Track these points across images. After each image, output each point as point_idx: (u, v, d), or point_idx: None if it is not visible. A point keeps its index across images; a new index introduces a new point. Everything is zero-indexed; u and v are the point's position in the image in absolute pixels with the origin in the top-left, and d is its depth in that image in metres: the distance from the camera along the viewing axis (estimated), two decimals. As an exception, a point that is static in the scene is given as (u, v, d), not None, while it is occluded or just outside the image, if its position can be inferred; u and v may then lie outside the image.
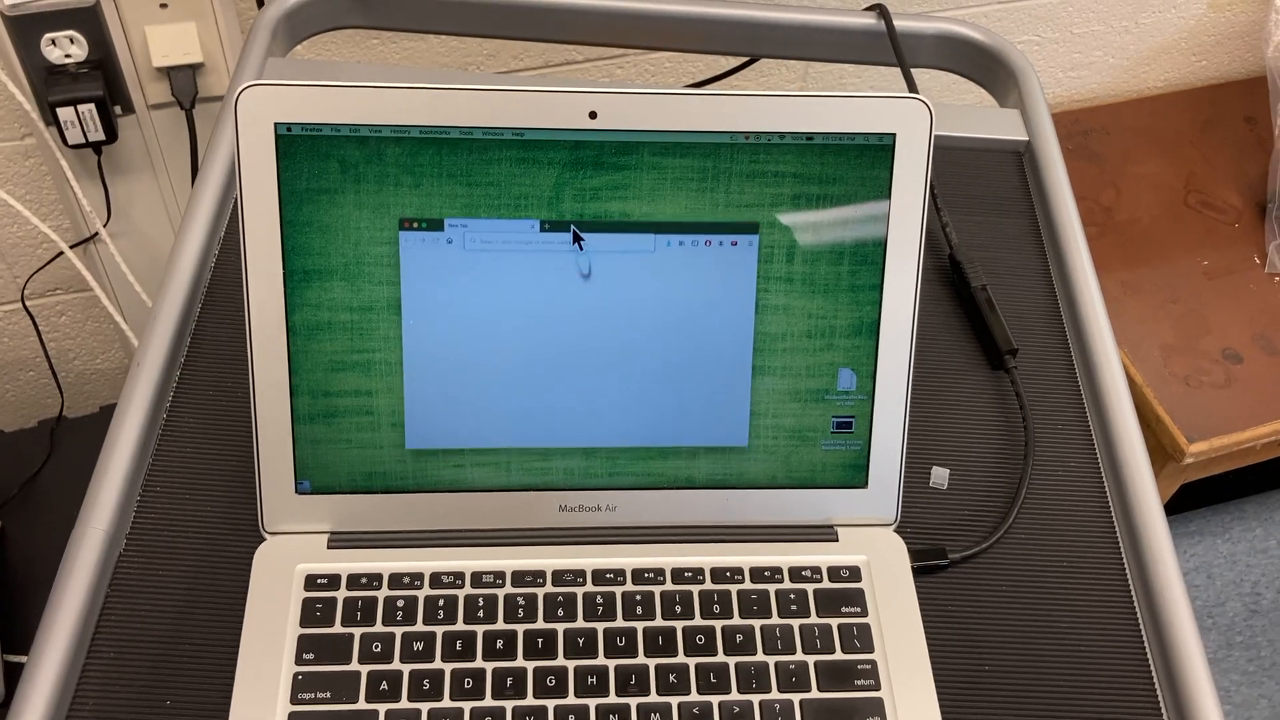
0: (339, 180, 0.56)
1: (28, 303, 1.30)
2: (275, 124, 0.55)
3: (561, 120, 0.56)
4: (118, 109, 1.07)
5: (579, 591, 0.58)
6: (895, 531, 0.63)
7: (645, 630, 0.58)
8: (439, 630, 0.57)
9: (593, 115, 0.56)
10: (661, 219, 0.58)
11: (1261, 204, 1.41)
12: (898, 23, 0.91)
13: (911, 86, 0.85)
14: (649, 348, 0.60)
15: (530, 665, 0.56)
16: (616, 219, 0.58)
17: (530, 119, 0.56)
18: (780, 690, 0.56)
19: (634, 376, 0.60)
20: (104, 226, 1.16)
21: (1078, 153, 1.47)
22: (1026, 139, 0.86)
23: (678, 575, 0.60)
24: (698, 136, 0.57)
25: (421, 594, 0.58)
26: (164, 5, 1.01)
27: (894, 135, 0.58)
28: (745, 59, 1.15)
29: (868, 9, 0.92)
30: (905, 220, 0.59)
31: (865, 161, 0.58)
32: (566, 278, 0.58)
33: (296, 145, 0.55)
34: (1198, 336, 1.27)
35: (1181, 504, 1.72)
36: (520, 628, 0.57)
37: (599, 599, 0.58)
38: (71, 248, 1.17)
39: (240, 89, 0.54)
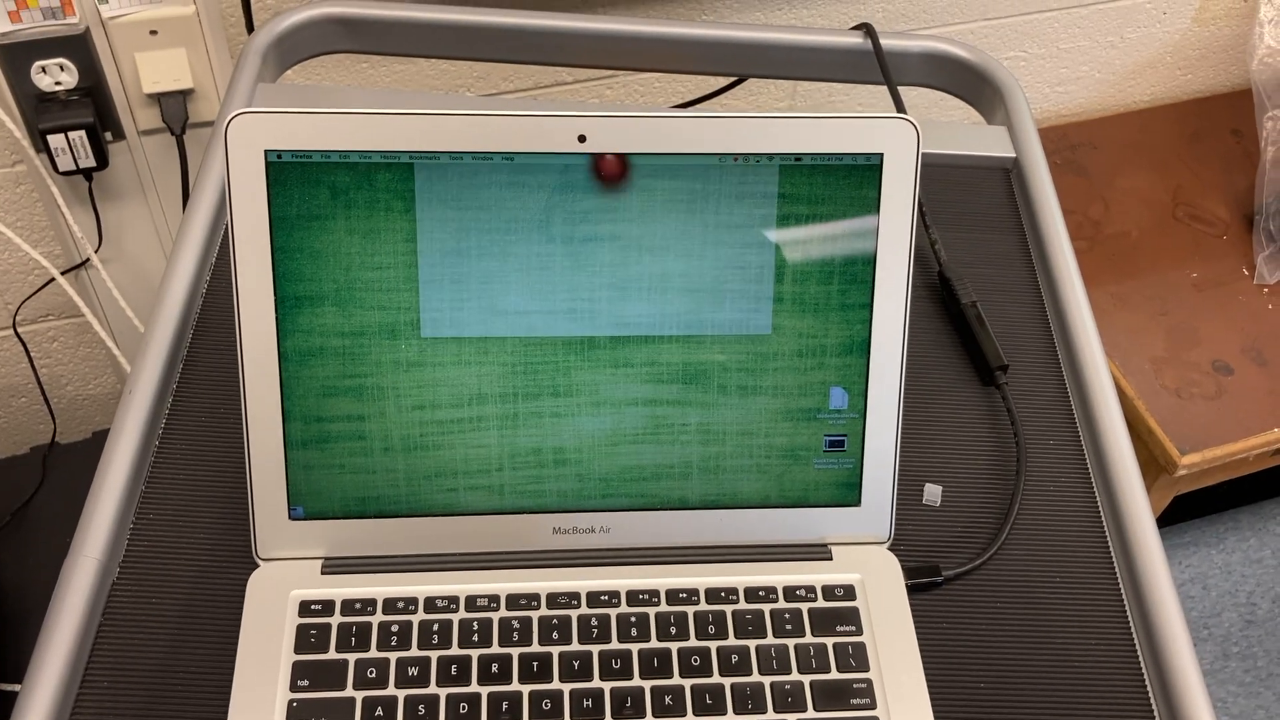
0: (330, 206, 0.56)
1: (19, 329, 1.29)
2: (265, 151, 0.55)
3: (551, 144, 0.56)
4: (108, 135, 1.07)
5: (573, 614, 0.58)
6: (889, 549, 0.63)
7: (640, 652, 0.57)
8: (433, 655, 0.57)
9: (582, 139, 0.57)
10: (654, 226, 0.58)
11: (1249, 216, 1.42)
12: (884, 41, 0.91)
13: (899, 105, 0.86)
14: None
15: (526, 689, 0.56)
16: (607, 238, 0.58)
17: (520, 143, 0.56)
18: (776, 710, 0.56)
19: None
20: (95, 252, 1.16)
21: (1066, 167, 1.48)
22: (1014, 155, 0.86)
23: (672, 596, 0.60)
24: (686, 159, 0.57)
25: (416, 618, 0.58)
26: (154, 32, 1.01)
27: (881, 155, 0.58)
28: (734, 78, 1.16)
29: (854, 28, 0.93)
30: (894, 239, 0.59)
31: (853, 181, 0.59)
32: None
33: (287, 172, 0.55)
34: (1188, 348, 1.28)
35: (1176, 515, 1.72)
36: (515, 651, 0.57)
37: (594, 621, 0.58)
38: (63, 274, 1.17)
39: (230, 117, 0.54)
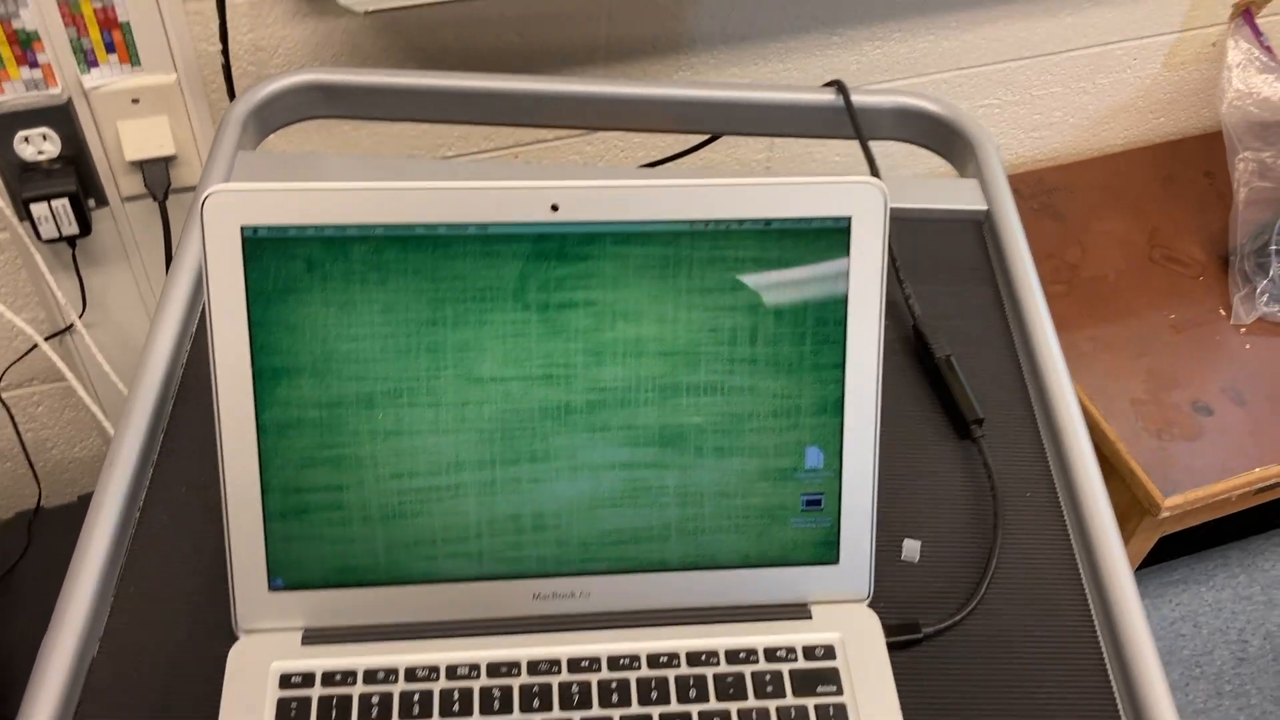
0: (306, 280, 0.57)
1: (3, 394, 1.29)
2: (241, 228, 0.56)
3: (524, 214, 0.57)
4: (91, 202, 1.08)
5: (554, 681, 0.58)
6: (869, 606, 0.63)
7: (622, 718, 0.57)
8: (415, 725, 0.57)
9: (554, 208, 0.57)
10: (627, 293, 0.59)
11: (1224, 256, 1.44)
12: (856, 97, 0.93)
13: (870, 161, 0.87)
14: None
15: (507, 757, 0.56)
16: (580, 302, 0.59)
17: (493, 214, 0.57)
18: (758, 773, 0.56)
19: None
20: (80, 317, 1.17)
21: (1043, 211, 1.49)
22: (986, 208, 0.88)
23: (653, 660, 0.60)
24: (658, 226, 0.58)
25: (396, 689, 0.58)
26: (136, 101, 1.02)
27: (849, 218, 0.59)
28: (711, 135, 1.17)
29: (827, 85, 0.94)
30: (864, 300, 0.60)
31: (822, 244, 0.59)
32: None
33: (263, 248, 0.56)
34: (1168, 390, 1.29)
35: (1164, 552, 1.72)
36: None
37: (574, 688, 0.58)
38: (47, 339, 1.18)
39: (206, 195, 0.55)
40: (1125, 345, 1.33)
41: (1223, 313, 1.38)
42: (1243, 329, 1.36)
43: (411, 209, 0.57)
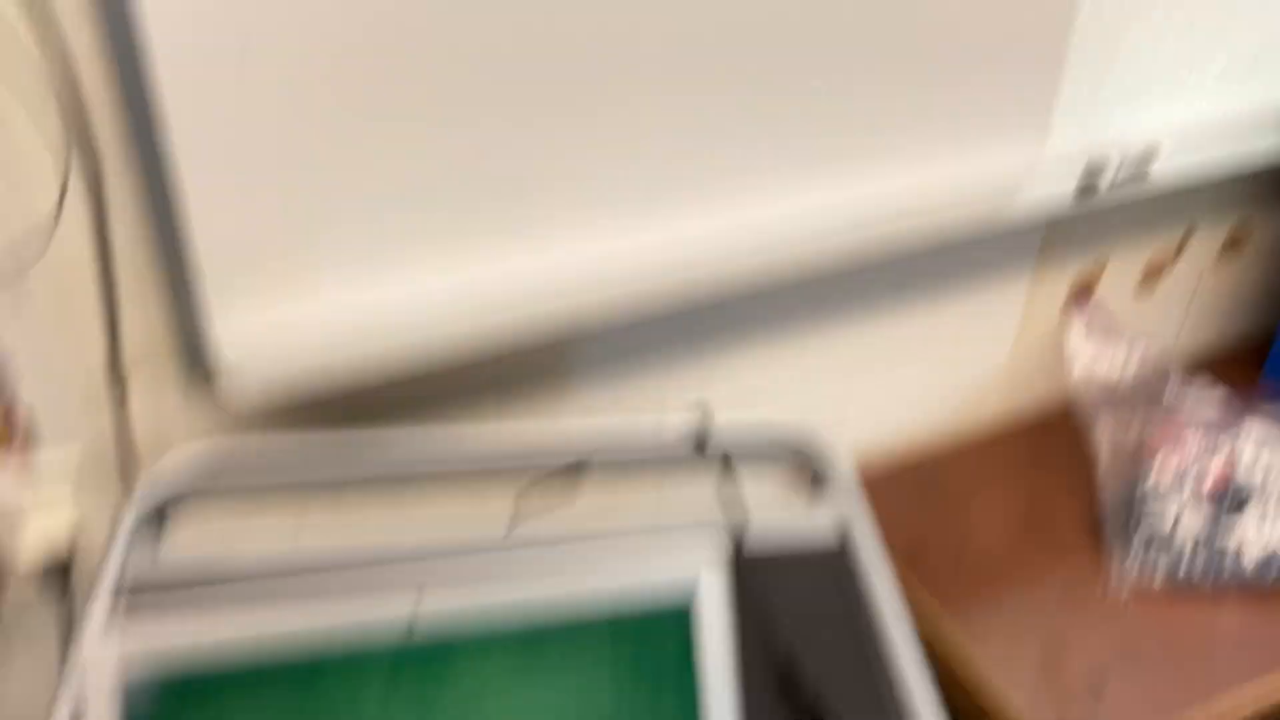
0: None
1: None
2: (119, 681, 0.59)
3: (380, 635, 0.62)
4: (-9, 603, 1.10)
5: None
6: None
7: None
8: None
9: (410, 629, 0.62)
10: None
11: (1097, 525, 1.52)
12: (719, 421, 1.00)
13: (728, 498, 0.94)
14: None
15: None
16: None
17: (350, 642, 0.61)
18: None
19: None
20: (-20, 716, 1.16)
21: (922, 495, 1.57)
22: (844, 532, 0.94)
23: None
24: (509, 639, 0.63)
25: None
26: (33, 500, 1.06)
27: (693, 585, 0.64)
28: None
29: (689, 410, 1.02)
30: (714, 658, 0.65)
31: (671, 617, 0.64)
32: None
33: (138, 695, 0.59)
34: (1063, 660, 1.33)
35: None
36: None
37: None
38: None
39: (81, 660, 0.59)
40: (1017, 617, 1.38)
41: (1103, 581, 1.44)
42: (1124, 594, 1.42)
43: (272, 651, 0.61)
